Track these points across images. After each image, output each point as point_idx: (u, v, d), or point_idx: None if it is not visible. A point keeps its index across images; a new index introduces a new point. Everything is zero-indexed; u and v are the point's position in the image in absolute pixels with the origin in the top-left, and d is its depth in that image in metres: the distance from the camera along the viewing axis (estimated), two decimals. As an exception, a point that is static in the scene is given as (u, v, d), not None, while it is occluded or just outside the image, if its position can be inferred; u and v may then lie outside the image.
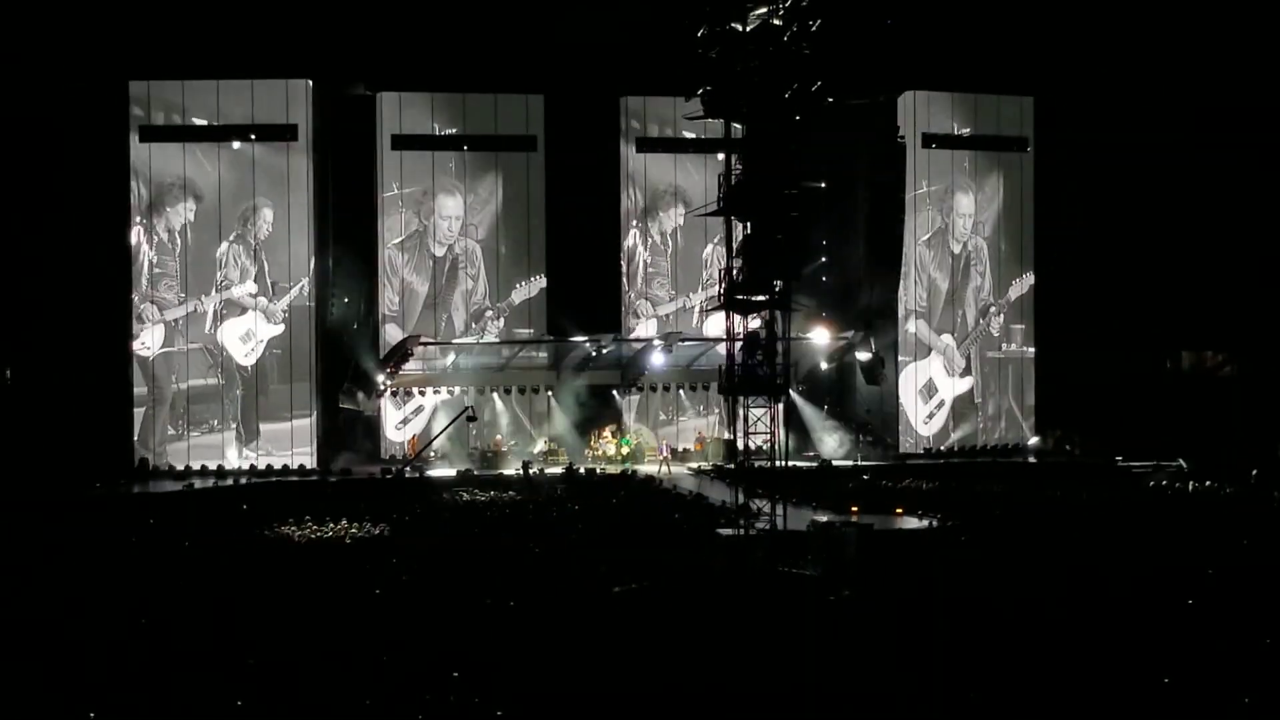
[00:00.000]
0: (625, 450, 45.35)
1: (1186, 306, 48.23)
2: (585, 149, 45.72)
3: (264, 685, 17.02)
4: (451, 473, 41.69)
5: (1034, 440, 48.04)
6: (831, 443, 45.88)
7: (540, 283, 45.84)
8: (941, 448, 47.47)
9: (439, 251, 45.27)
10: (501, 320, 45.33)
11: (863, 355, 45.47)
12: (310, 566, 25.42)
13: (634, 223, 46.17)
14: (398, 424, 44.64)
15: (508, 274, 45.76)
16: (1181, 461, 41.47)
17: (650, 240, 46.42)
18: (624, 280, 46.17)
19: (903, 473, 41.03)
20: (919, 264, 47.27)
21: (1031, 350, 48.90)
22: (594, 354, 43.92)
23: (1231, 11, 44.53)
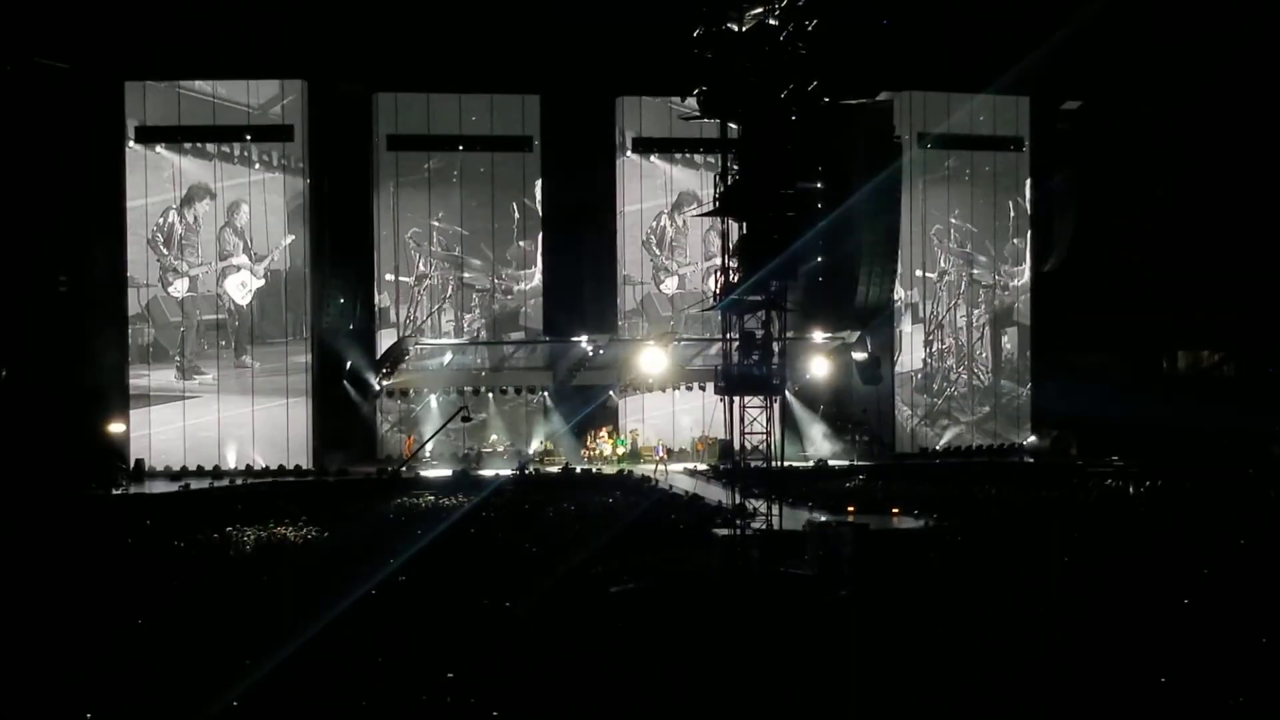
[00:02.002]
0: (621, 451, 45.33)
1: (1184, 307, 48.32)
2: (581, 149, 45.71)
3: (260, 686, 17.00)
4: (446, 472, 41.68)
5: (1031, 439, 48.00)
6: (825, 444, 45.88)
7: (537, 283, 45.87)
8: (938, 448, 47.47)
9: (438, 251, 45.36)
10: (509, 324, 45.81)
11: (859, 355, 45.45)
12: (307, 568, 25.38)
13: (667, 209, 46.88)
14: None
15: (506, 274, 45.83)
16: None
17: (675, 223, 46.92)
18: (651, 249, 47.07)
19: (899, 474, 41.02)
20: (924, 263, 47.35)
21: (1027, 350, 48.91)
22: (590, 354, 43.87)
23: (1228, 11, 44.61)
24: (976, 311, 48.38)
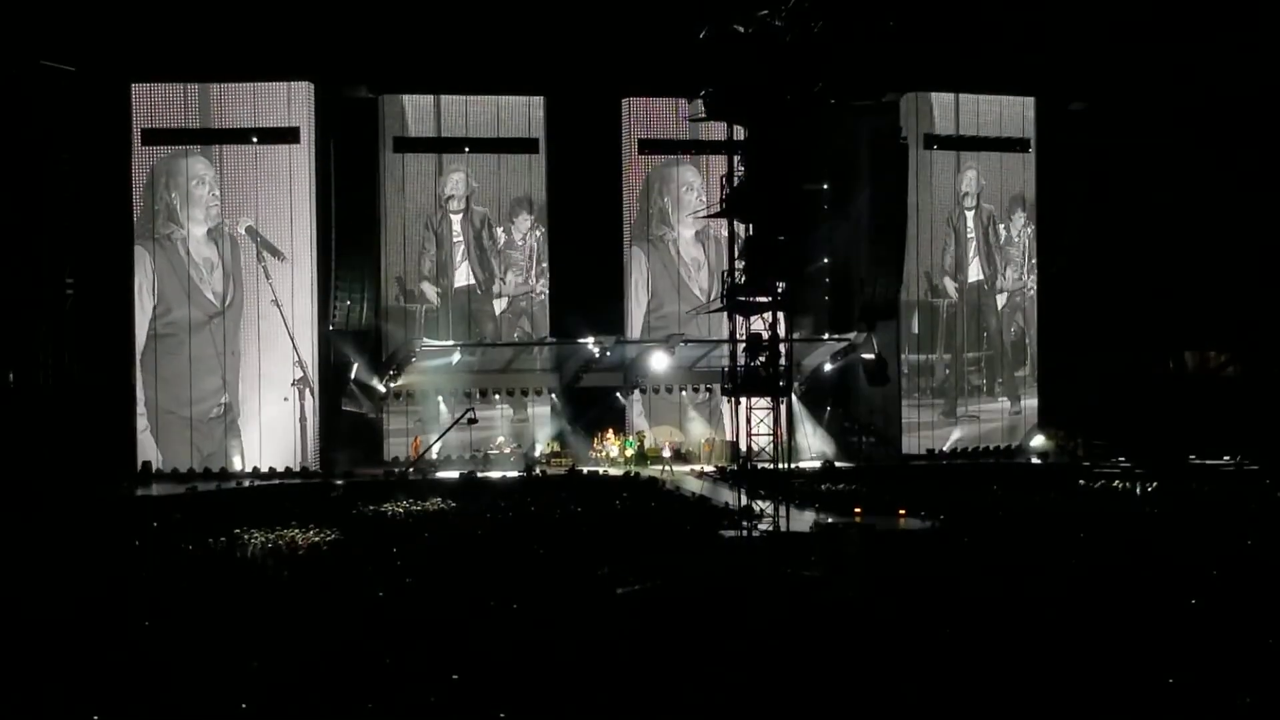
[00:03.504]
0: (629, 452, 45.30)
1: (1189, 306, 48.23)
2: (587, 151, 45.74)
3: (267, 687, 17.02)
4: (454, 474, 41.69)
5: (1038, 440, 47.89)
6: (832, 445, 45.84)
7: (543, 285, 45.91)
8: (944, 449, 47.41)
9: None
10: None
11: (866, 356, 45.44)
12: (313, 568, 25.41)
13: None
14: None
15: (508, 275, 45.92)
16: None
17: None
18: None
19: (906, 476, 41.00)
20: (930, 265, 47.33)
21: (1028, 352, 48.88)
22: (596, 355, 43.88)
23: (1232, 10, 44.56)
24: (979, 314, 48.30)
